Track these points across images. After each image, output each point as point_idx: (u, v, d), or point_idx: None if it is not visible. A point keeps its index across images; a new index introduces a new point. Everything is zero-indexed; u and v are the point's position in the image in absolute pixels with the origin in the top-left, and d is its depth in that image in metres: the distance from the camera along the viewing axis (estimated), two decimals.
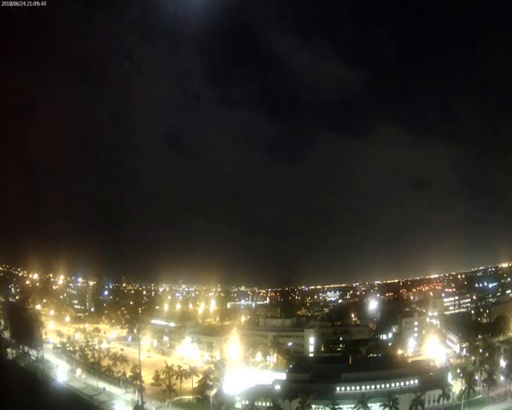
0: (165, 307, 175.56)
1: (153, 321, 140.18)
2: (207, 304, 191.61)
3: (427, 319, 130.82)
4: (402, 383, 78.14)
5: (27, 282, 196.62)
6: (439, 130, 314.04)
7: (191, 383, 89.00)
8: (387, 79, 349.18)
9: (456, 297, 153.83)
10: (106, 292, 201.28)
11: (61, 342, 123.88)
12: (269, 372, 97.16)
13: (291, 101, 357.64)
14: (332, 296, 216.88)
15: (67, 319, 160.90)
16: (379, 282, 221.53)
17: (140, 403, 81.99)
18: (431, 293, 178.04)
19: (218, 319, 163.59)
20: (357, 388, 77.65)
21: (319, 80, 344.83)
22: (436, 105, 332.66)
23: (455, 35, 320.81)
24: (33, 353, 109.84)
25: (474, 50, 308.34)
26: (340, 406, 73.44)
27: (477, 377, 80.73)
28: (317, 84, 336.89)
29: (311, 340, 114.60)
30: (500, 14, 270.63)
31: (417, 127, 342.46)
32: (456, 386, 79.95)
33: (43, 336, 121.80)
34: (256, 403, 76.22)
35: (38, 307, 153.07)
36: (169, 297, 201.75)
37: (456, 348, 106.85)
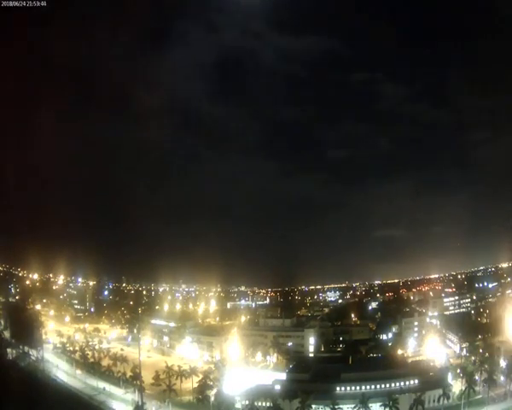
0: (165, 307, 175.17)
1: (153, 321, 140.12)
2: (207, 304, 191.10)
3: (427, 319, 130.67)
4: (402, 383, 78.26)
5: (27, 282, 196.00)
6: None
7: (191, 383, 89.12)
8: None
9: (456, 297, 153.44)
10: (106, 292, 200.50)
11: (61, 342, 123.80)
12: (269, 372, 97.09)
13: None
14: (332, 296, 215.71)
15: (67, 319, 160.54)
16: (379, 282, 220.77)
17: (140, 403, 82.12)
18: (431, 293, 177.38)
19: (218, 319, 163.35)
20: (357, 388, 77.78)
21: None
22: None
23: None
24: (33, 353, 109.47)
25: None
26: (340, 406, 73.62)
27: (477, 377, 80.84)
28: None
29: (311, 340, 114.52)
30: None
31: None
32: (456, 386, 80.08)
33: (43, 336, 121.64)
34: (256, 403, 76.46)
35: (38, 307, 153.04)
36: (169, 297, 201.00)
37: (456, 348, 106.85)
